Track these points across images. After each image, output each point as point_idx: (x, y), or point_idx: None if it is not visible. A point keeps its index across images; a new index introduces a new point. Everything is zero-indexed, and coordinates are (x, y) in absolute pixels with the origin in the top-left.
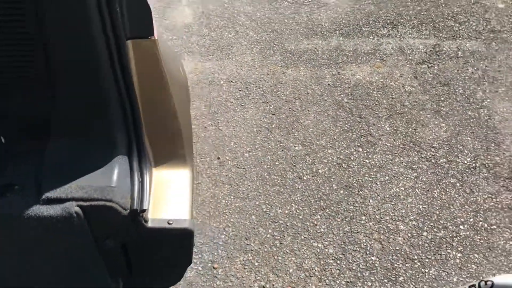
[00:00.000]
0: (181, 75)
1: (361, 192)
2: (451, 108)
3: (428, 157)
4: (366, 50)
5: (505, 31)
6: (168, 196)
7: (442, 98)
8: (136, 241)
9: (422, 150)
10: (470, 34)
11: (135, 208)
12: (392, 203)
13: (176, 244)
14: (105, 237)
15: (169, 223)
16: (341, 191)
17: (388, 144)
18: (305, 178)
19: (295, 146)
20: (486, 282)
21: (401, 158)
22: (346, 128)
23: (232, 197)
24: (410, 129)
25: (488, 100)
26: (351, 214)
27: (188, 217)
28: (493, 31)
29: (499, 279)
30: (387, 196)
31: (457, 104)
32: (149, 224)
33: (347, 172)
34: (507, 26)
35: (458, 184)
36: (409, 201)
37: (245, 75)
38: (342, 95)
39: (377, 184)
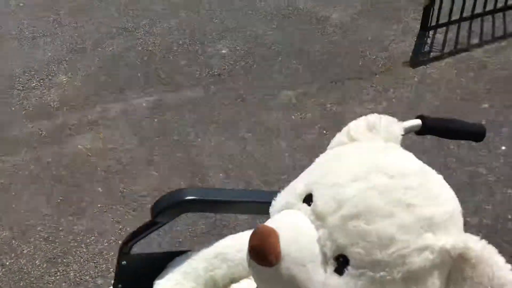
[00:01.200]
0: None
1: (65, 260)
2: (164, 155)
3: (135, 207)
4: (91, 119)
5: (224, 74)
6: None
7: (157, 148)
8: None
9: (131, 202)
10: (192, 82)
11: None
12: (95, 261)
13: None
14: None
15: None
16: (44, 265)
17: (99, 205)
18: (7, 263)
19: (1, 233)
20: None
21: (110, 215)
22: (59, 200)
23: None
24: (122, 185)
25: (199, 139)
26: (51, 285)
27: None
28: (213, 75)
29: None
30: (91, 256)
31: (169, 150)
32: None
33: (53, 244)
34: (226, 69)
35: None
36: (111, 254)
37: None
38: (61, 169)
39: (82, 247)
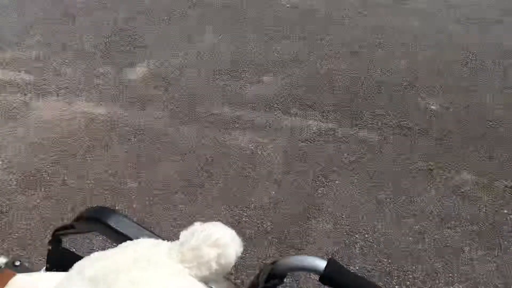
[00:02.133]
0: None
1: None
2: (295, 179)
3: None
4: (261, 123)
5: (416, 129)
6: None
7: (296, 170)
8: None
9: (246, 209)
10: (375, 125)
11: None
12: None
13: None
14: None
15: None
16: None
17: (209, 198)
18: None
19: None
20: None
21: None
22: (191, 179)
23: None
24: (242, 191)
25: (337, 181)
26: None
27: None
28: (402, 127)
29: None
30: None
31: (299, 177)
32: None
33: None
34: (423, 125)
35: None
36: None
37: None
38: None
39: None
